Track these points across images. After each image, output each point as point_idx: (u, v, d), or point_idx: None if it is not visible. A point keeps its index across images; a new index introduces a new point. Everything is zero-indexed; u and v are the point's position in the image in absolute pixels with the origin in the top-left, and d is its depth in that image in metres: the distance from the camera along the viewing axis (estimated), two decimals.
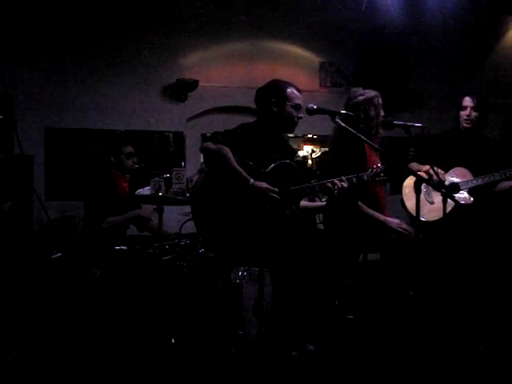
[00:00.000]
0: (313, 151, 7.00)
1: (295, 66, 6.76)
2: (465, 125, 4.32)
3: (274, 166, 3.38)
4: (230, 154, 3.24)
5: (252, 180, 3.22)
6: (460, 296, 3.88)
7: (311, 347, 3.34)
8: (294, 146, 6.95)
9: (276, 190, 3.25)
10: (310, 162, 7.05)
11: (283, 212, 3.30)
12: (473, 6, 6.75)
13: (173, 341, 3.73)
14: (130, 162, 4.54)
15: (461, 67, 7.06)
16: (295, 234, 3.30)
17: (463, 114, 4.31)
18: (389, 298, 3.63)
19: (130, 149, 4.57)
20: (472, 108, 4.28)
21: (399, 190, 4.35)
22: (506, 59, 7.47)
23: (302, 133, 6.90)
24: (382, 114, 3.80)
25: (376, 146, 3.39)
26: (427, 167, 4.04)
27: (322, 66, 6.95)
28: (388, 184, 5.77)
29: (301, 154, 7.10)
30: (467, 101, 4.31)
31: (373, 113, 3.75)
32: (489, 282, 3.98)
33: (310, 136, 7.05)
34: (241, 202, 3.25)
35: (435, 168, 3.67)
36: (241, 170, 3.23)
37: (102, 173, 4.57)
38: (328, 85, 6.98)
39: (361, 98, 3.76)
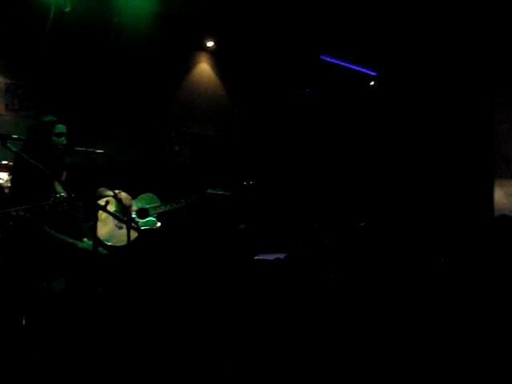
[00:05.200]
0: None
1: None
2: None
3: None
4: None
5: None
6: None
7: None
8: None
9: None
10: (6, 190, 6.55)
11: None
12: (165, 39, 7.08)
13: None
14: None
15: (152, 98, 7.31)
16: None
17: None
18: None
19: None
20: None
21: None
22: (194, 91, 7.97)
23: None
24: (61, 142, 3.75)
25: (51, 172, 3.33)
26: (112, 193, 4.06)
27: (8, 88, 6.52)
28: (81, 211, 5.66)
29: None
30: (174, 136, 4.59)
31: (38, 138, 3.68)
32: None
33: (4, 163, 6.56)
34: None
35: (120, 194, 3.71)
36: None
37: None
38: (16, 108, 6.58)
39: (34, 123, 3.74)
